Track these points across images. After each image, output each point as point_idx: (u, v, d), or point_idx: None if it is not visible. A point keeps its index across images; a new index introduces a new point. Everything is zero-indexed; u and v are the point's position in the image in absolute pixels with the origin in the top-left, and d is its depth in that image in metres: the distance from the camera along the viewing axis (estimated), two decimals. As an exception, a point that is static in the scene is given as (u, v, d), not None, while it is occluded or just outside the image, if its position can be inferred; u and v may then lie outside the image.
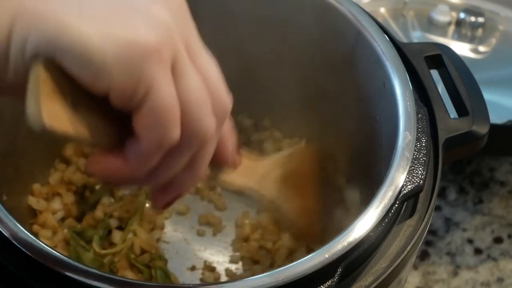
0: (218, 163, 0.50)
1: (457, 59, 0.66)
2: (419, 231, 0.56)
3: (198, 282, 0.71)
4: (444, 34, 0.96)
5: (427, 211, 0.58)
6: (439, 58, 0.66)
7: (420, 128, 0.59)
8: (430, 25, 0.97)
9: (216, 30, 0.74)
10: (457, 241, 0.84)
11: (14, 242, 0.51)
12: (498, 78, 0.92)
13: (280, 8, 0.70)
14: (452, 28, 0.97)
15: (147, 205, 0.73)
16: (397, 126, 0.58)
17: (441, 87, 0.65)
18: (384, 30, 0.65)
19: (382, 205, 0.53)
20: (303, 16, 0.69)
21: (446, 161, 0.61)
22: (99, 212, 0.72)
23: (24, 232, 0.51)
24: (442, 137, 0.61)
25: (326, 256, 0.51)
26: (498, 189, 0.88)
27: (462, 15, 0.97)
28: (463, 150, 0.63)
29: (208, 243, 0.74)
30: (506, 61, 0.94)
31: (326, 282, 0.51)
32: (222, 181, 0.58)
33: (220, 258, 0.73)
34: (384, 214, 0.53)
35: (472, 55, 0.95)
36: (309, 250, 0.72)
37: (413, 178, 0.56)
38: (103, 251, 0.69)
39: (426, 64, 0.65)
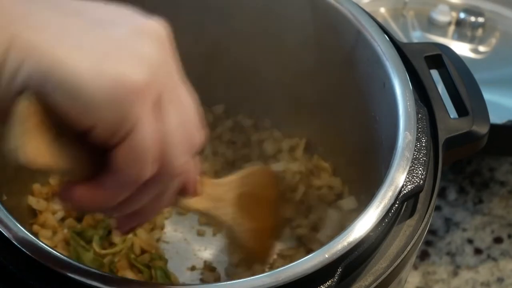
0: (182, 192, 0.51)
1: (457, 59, 0.66)
2: (419, 231, 0.56)
3: (198, 282, 0.71)
4: (444, 34, 0.96)
5: (427, 211, 0.58)
6: (439, 58, 0.66)
7: (420, 128, 0.59)
8: (430, 25, 0.97)
9: (216, 30, 0.74)
10: (457, 241, 0.84)
11: (14, 242, 0.51)
12: (498, 78, 0.92)
13: (280, 8, 0.70)
14: (452, 28, 0.97)
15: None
16: (397, 126, 0.58)
17: (441, 87, 0.65)
18: (384, 30, 0.65)
19: (382, 205, 0.53)
20: (303, 16, 0.69)
21: (446, 161, 0.61)
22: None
23: (24, 232, 0.51)
24: (442, 137, 0.61)
25: (326, 256, 0.51)
26: (498, 189, 0.88)
27: (462, 15, 0.97)
28: (463, 150, 0.63)
29: (208, 243, 0.74)
30: (506, 61, 0.94)
31: (326, 282, 0.51)
32: (181, 206, 0.60)
33: (220, 258, 0.73)
34: (384, 214, 0.53)
35: (472, 55, 0.95)
36: (309, 251, 0.72)
37: (413, 178, 0.56)
38: (103, 251, 0.69)
39: (426, 64, 0.65)
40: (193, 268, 0.72)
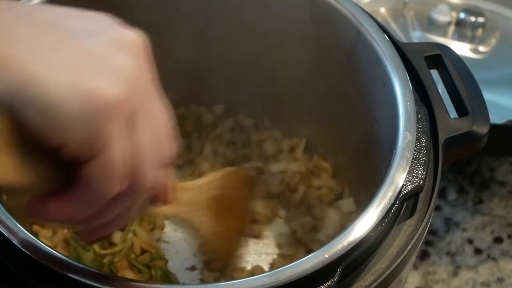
0: (152, 201, 0.51)
1: (457, 59, 0.66)
2: (419, 231, 0.56)
3: (198, 282, 0.71)
4: (444, 34, 0.96)
5: (427, 211, 0.58)
6: (439, 58, 0.66)
7: (420, 128, 0.59)
8: (430, 25, 0.97)
9: (216, 30, 0.74)
10: (457, 241, 0.84)
11: (14, 242, 0.51)
12: (498, 78, 0.91)
13: (280, 8, 0.70)
14: (452, 28, 0.97)
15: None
16: (397, 126, 0.58)
17: (441, 87, 0.65)
18: (384, 30, 0.65)
19: (382, 205, 0.53)
20: (303, 16, 0.69)
21: (446, 161, 0.61)
22: (99, 212, 0.72)
23: (24, 232, 0.51)
24: (442, 137, 0.61)
25: (326, 256, 0.50)
26: (498, 189, 0.88)
27: (462, 15, 0.96)
28: (463, 150, 0.63)
29: (208, 243, 0.74)
30: (506, 61, 0.94)
31: (326, 282, 0.51)
32: (153, 213, 0.59)
33: (220, 258, 0.73)
34: (384, 214, 0.53)
35: (472, 55, 0.95)
36: (309, 251, 0.72)
37: (413, 178, 0.56)
38: (103, 251, 0.69)
39: (426, 64, 0.65)
40: (193, 268, 0.72)
